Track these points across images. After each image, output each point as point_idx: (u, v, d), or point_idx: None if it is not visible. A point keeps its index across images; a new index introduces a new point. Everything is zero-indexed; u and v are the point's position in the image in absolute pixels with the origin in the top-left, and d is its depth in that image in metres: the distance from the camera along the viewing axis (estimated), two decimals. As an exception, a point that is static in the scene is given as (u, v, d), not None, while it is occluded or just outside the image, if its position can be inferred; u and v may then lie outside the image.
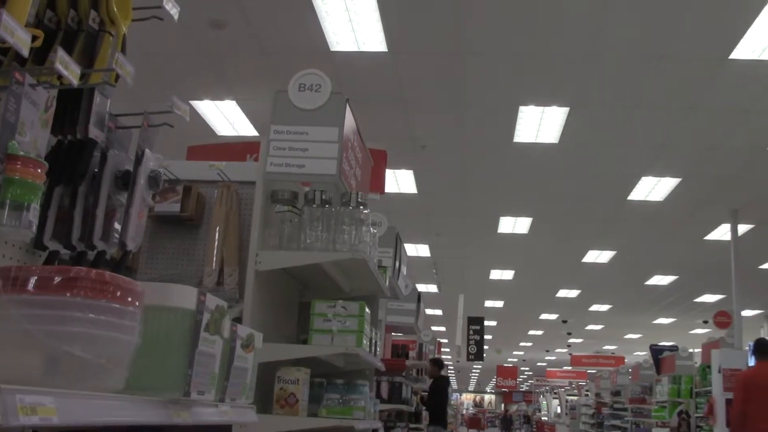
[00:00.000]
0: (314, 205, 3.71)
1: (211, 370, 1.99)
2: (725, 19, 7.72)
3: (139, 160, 2.29)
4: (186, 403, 1.88)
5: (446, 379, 12.95)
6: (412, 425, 8.73)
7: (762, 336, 14.41)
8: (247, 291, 3.55)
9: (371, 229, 3.86)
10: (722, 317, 14.20)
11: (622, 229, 16.03)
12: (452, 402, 42.97)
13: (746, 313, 24.26)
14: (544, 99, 9.80)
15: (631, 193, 13.39)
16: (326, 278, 4.12)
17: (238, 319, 3.14)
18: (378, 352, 4.38)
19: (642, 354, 29.45)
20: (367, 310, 3.68)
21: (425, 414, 10.29)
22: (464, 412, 57.79)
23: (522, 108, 10.07)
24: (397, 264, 6.40)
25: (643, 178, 12.67)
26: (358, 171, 4.27)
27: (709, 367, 13.65)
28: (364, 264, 3.66)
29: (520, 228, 15.96)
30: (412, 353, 9.90)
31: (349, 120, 4.02)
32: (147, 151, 2.31)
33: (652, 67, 8.88)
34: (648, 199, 13.66)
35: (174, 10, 2.38)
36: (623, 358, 33.83)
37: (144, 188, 2.29)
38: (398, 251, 6.53)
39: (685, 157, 11.79)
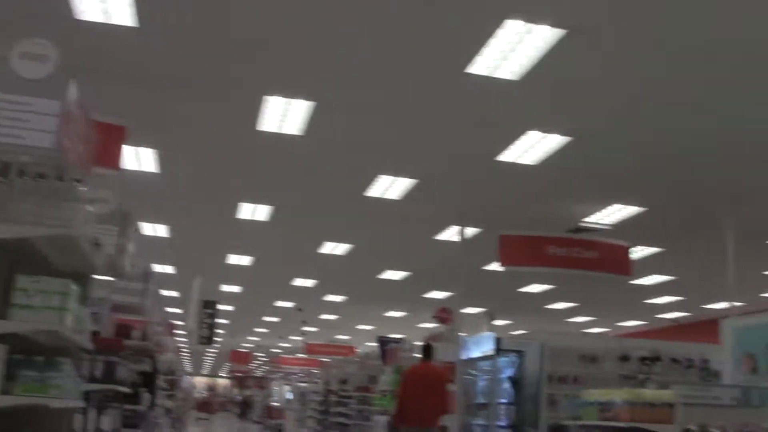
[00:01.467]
0: (27, 178, 3.61)
1: None
2: (466, 35, 8.18)
3: None
4: None
5: None
6: (128, 406, 8.59)
7: (487, 331, 15.36)
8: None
9: (87, 205, 3.80)
10: (444, 313, 15.05)
11: (359, 224, 16.56)
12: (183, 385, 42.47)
13: (468, 310, 25.85)
14: (290, 91, 9.94)
15: (369, 190, 13.86)
16: (38, 253, 4.01)
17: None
18: (87, 330, 4.31)
19: (374, 345, 30.47)
20: (74, 287, 3.63)
21: (147, 396, 10.14)
22: (198, 396, 57.31)
23: (267, 98, 10.16)
24: (124, 243, 6.31)
25: (381, 177, 13.15)
26: (80, 146, 4.19)
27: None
28: (75, 241, 3.61)
29: (260, 215, 16.07)
30: (136, 333, 9.73)
31: (74, 93, 3.93)
32: None
33: (396, 73, 9.25)
34: (384, 196, 14.19)
35: None
36: (354, 348, 34.89)
37: None
38: (127, 230, 6.44)
39: (422, 161, 12.37)
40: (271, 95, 10.06)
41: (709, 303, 24.97)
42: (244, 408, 47.44)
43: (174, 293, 26.72)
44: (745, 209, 13.51)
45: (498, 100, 9.86)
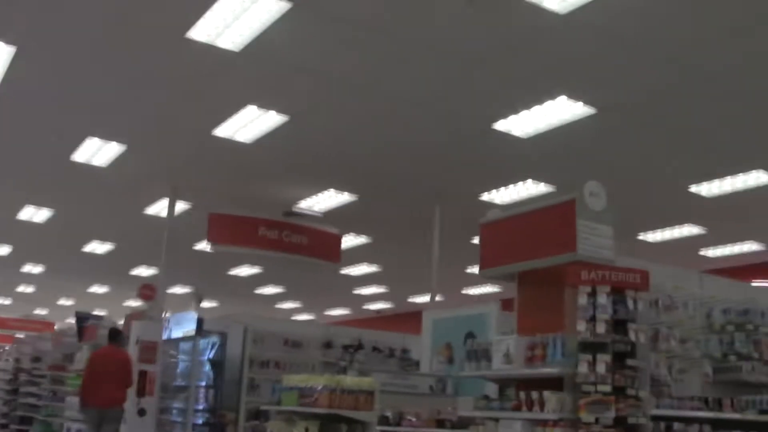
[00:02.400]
0: None
1: None
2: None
3: None
4: None
5: None
6: None
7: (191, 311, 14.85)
8: None
9: None
10: (147, 290, 14.34)
11: (62, 190, 15.40)
12: None
13: (176, 290, 25.14)
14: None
15: (75, 153, 12.90)
16: None
17: None
18: None
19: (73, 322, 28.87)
20: None
21: None
22: None
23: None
24: None
25: (89, 139, 12.27)
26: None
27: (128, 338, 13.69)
28: None
29: (-51, 171, 14.53)
30: None
31: None
32: None
33: (114, 23, 8.57)
34: (91, 162, 13.28)
35: None
36: (53, 324, 32.92)
37: None
38: None
39: (135, 126, 11.69)
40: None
41: (412, 296, 25.94)
42: None
43: None
44: (453, 208, 13.98)
45: (217, 70, 9.47)
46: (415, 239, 17.24)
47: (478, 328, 9.02)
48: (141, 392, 12.64)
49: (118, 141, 12.34)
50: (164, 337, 11.92)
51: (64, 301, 33.15)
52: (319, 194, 14.47)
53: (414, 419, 8.26)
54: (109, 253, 21.50)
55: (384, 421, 7.95)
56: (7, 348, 34.09)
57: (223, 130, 11.38)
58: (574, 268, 5.96)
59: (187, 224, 15.76)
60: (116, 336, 11.42)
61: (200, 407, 10.93)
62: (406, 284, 23.81)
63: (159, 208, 16.15)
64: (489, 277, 7.40)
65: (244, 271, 23.15)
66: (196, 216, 15.74)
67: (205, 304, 26.25)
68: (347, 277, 22.79)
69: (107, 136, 12.17)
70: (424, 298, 25.50)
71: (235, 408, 10.77)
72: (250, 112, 10.68)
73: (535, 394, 5.90)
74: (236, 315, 12.05)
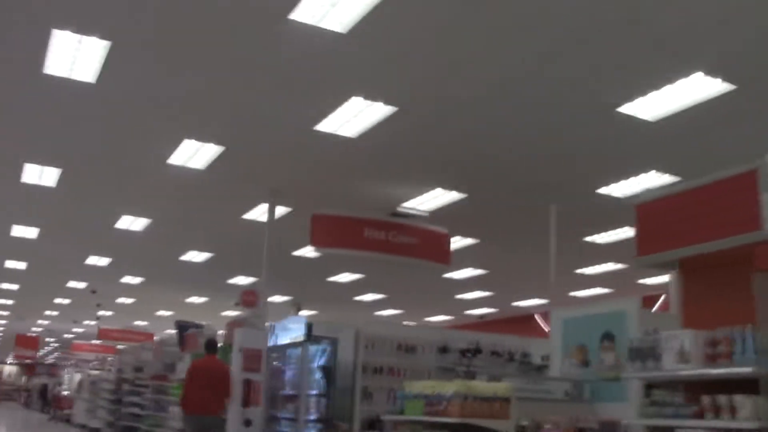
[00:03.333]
0: None
1: None
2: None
3: None
4: None
5: None
6: None
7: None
8: None
9: None
10: (249, 296, 13.82)
11: (159, 196, 15.01)
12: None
13: (275, 298, 24.71)
14: (82, 25, 8.43)
15: (172, 156, 12.44)
16: None
17: None
18: None
19: (173, 332, 28.83)
20: None
21: None
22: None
23: (56, 32, 8.60)
24: None
25: (186, 141, 11.78)
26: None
27: (230, 346, 13.19)
28: None
29: (48, 180, 14.20)
30: None
31: None
32: None
33: (209, 20, 8.06)
34: (188, 165, 12.81)
35: None
36: (153, 335, 33.02)
37: None
38: None
39: (232, 125, 11.16)
40: (61, 29, 8.51)
41: (517, 300, 24.97)
42: (30, 397, 44.35)
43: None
44: (567, 205, 13.09)
45: (322, 56, 8.79)
46: (525, 239, 16.40)
47: (615, 328, 8.12)
48: (246, 402, 12.20)
49: (216, 142, 11.82)
50: (270, 343, 11.32)
51: (162, 312, 33.20)
52: (426, 193, 13.73)
53: (553, 428, 7.43)
54: (207, 262, 21.17)
55: (520, 430, 7.15)
56: (110, 359, 34.41)
57: (326, 125, 10.76)
58: (764, 249, 5.02)
59: (286, 229, 15.16)
60: (213, 347, 11.44)
61: (312, 417, 10.24)
62: (512, 288, 22.88)
63: (257, 213, 15.64)
64: (647, 265, 6.50)
65: (345, 277, 22.55)
66: (294, 221, 15.18)
67: (304, 312, 25.78)
68: (450, 281, 21.98)
69: (204, 137, 11.67)
70: (530, 302, 24.60)
71: (348, 418, 10.06)
72: (356, 103, 10.00)
73: (723, 399, 4.98)
74: (346, 320, 11.32)
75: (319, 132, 10.93)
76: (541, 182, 12.76)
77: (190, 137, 11.66)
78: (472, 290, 23.65)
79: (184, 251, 20.17)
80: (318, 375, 10.36)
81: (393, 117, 10.31)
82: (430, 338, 11.03)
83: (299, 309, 24.04)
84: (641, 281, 20.53)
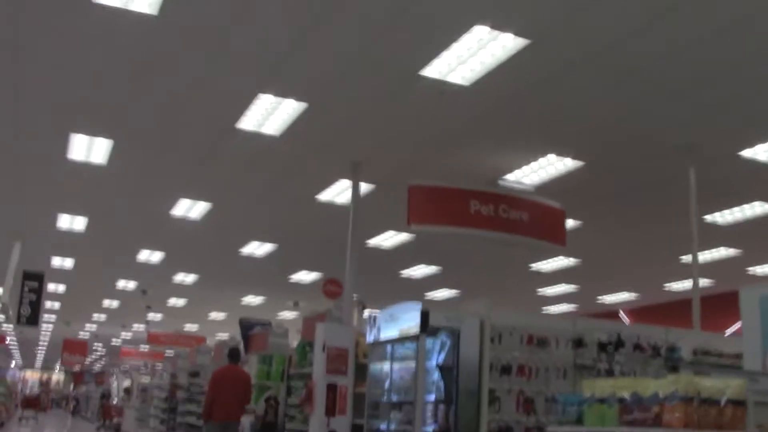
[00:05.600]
0: None
1: None
2: None
3: None
4: None
5: None
6: None
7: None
8: None
9: None
10: (332, 285, 11.94)
11: (223, 172, 13.07)
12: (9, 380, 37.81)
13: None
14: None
15: (243, 118, 10.54)
16: None
17: None
18: None
19: (225, 336, 27.16)
20: None
21: None
22: (27, 392, 52.18)
23: None
24: None
25: (261, 96, 9.86)
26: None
27: (310, 344, 11.24)
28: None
29: (97, 155, 12.33)
30: None
31: None
32: None
33: None
34: (262, 130, 10.89)
35: None
36: (205, 340, 31.32)
37: None
38: None
39: (319, 76, 9.29)
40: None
41: (603, 294, 22.78)
42: (78, 406, 43.07)
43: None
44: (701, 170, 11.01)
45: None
46: (637, 220, 14.33)
47: None
48: (331, 410, 10.30)
49: (297, 98, 9.89)
50: (370, 339, 9.26)
51: (215, 315, 31.52)
52: (533, 162, 11.70)
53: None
54: (269, 255, 19.25)
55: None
56: (159, 366, 32.76)
57: (434, 69, 8.79)
58: None
59: (365, 212, 13.01)
60: (237, 356, 11.94)
61: (429, 429, 8.13)
62: (602, 280, 20.64)
63: (333, 193, 13.69)
64: None
65: (418, 271, 20.53)
66: (374, 202, 13.23)
67: (368, 311, 23.83)
68: (536, 274, 19.86)
69: (284, 92, 9.75)
70: (617, 296, 22.39)
71: (474, 428, 7.99)
72: (480, 34, 7.99)
73: None
74: (467, 306, 9.25)
75: (425, 78, 8.96)
76: (675, 143, 10.69)
77: (265, 91, 9.73)
78: (557, 283, 21.44)
79: (244, 242, 18.28)
80: (436, 376, 8.27)
81: (521, 53, 8.31)
82: (562, 330, 8.93)
83: (364, 308, 22.07)
84: (751, 270, 18.17)
